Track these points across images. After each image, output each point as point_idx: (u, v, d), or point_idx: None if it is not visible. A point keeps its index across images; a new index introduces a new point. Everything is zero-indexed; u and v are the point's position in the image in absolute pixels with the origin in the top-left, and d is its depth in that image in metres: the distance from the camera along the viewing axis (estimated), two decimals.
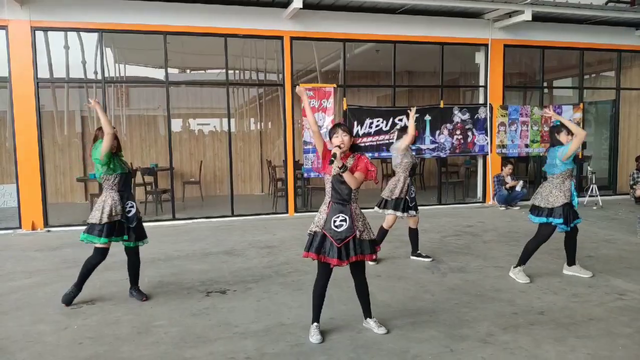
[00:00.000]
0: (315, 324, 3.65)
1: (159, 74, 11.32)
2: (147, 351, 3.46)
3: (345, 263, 3.51)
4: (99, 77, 8.50)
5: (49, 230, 7.94)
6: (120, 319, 4.07)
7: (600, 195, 9.68)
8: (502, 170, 9.79)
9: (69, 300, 4.37)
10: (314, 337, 3.56)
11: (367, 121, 9.28)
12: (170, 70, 8.91)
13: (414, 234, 5.82)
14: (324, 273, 3.62)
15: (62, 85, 10.99)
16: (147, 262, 5.81)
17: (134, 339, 3.68)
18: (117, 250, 6.44)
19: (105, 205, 4.34)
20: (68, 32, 9.37)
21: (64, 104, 11.13)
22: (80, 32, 9.24)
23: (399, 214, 5.57)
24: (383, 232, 5.67)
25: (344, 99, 9.29)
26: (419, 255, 5.81)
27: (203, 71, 13.98)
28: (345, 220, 3.49)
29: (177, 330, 3.82)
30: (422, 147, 9.61)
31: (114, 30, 8.29)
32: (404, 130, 6.01)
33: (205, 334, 3.73)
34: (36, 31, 7.91)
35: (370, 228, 3.64)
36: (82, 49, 10.24)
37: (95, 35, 8.49)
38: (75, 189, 11.33)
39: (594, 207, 9.34)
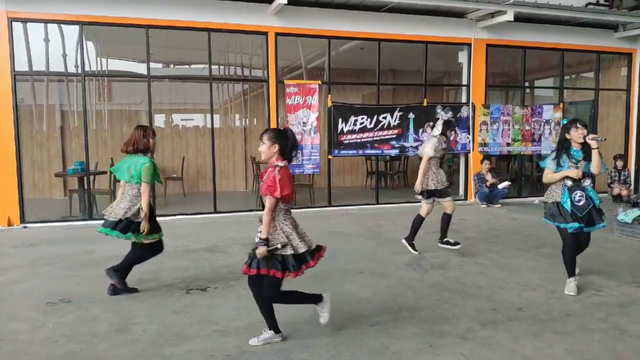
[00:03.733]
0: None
1: (141, 68, 11.17)
2: (125, 349, 3.41)
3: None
4: (80, 70, 8.34)
5: (25, 227, 7.77)
6: (97, 316, 4.01)
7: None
8: (481, 167, 9.89)
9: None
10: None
11: (352, 118, 9.29)
12: (153, 64, 8.80)
13: (446, 219, 5.96)
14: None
15: (41, 79, 10.77)
16: None
17: (111, 337, 3.62)
18: (95, 248, 6.36)
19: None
20: (48, 24, 9.17)
21: (44, 97, 10.92)
22: (61, 25, 9.07)
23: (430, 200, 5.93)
24: (420, 220, 5.97)
25: (329, 96, 9.28)
26: (447, 243, 5.93)
27: (187, 66, 13.84)
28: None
29: (156, 327, 3.77)
30: (406, 144, 9.65)
31: (95, 23, 8.14)
32: (449, 125, 6.12)
33: (185, 332, 3.69)
34: (13, 22, 7.72)
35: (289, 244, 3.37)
36: (63, 42, 10.03)
37: (76, 27, 8.34)
38: (54, 185, 11.13)
39: None
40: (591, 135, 4.30)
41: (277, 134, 3.40)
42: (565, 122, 4.56)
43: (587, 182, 4.39)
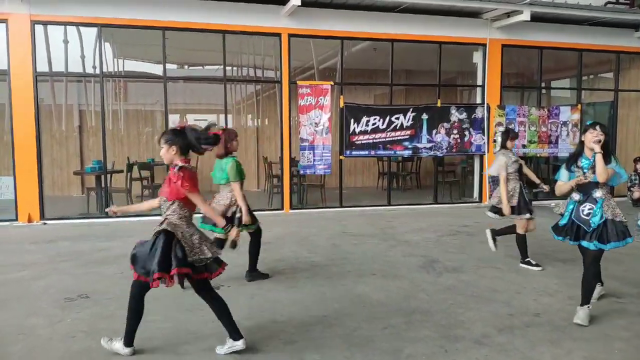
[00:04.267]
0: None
1: (157, 69, 11.29)
2: (141, 346, 3.44)
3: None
4: (97, 71, 8.45)
5: (45, 223, 7.91)
6: (114, 313, 4.05)
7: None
8: None
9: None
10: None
11: (364, 119, 9.27)
12: (168, 65, 8.88)
13: (520, 239, 5.53)
14: None
15: (60, 79, 10.95)
16: None
17: None
18: (112, 245, 6.44)
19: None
20: (67, 27, 9.32)
21: (63, 97, 11.09)
22: (80, 27, 9.21)
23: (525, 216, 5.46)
24: (521, 238, 5.51)
25: (341, 96, 9.27)
26: (528, 263, 5.45)
27: (201, 67, 13.95)
28: None
29: (171, 325, 3.81)
30: (419, 145, 9.61)
31: (113, 25, 8.25)
32: (507, 134, 5.57)
33: (199, 330, 3.72)
34: (36, 25, 7.87)
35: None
36: (81, 44, 10.22)
37: (94, 29, 8.45)
38: (72, 182, 11.29)
39: None
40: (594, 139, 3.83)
41: (172, 135, 3.29)
42: (589, 123, 4.04)
43: (598, 194, 3.82)
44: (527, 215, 5.42)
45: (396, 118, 9.45)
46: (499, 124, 9.98)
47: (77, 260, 5.70)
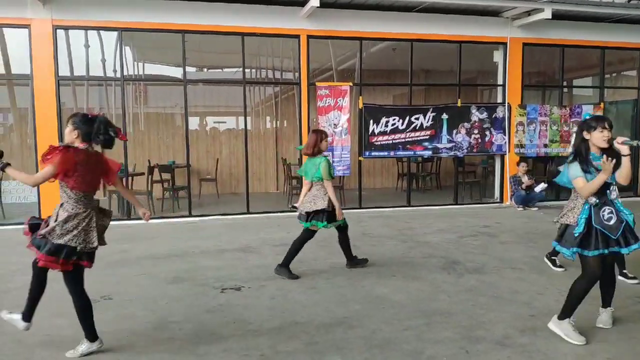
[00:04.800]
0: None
1: (176, 72, 11.44)
2: (162, 346, 3.48)
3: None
4: (118, 75, 8.59)
5: None
6: (135, 314, 4.11)
7: (621, 197, 9.45)
8: (517, 169, 9.65)
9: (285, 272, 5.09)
10: None
11: (383, 120, 9.23)
12: (187, 68, 8.97)
13: None
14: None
15: (82, 83, 11.16)
16: (162, 258, 5.89)
17: (149, 334, 3.71)
18: (133, 247, 6.53)
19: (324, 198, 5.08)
20: (88, 31, 9.49)
21: (84, 101, 11.29)
22: (100, 31, 9.36)
23: None
24: None
25: (360, 97, 9.25)
26: (624, 275, 4.95)
27: (220, 69, 14.08)
28: None
29: (192, 326, 3.84)
30: (439, 146, 9.53)
31: (133, 29, 8.38)
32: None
33: (220, 331, 3.74)
34: (57, 30, 8.03)
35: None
36: (102, 48, 10.40)
37: (114, 33, 8.59)
38: None
39: None
40: (621, 139, 3.40)
41: (80, 121, 3.30)
42: (587, 116, 3.58)
43: (614, 194, 3.50)
44: None
45: (416, 118, 9.39)
46: (520, 123, 9.85)
47: (99, 262, 5.64)
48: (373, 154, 9.32)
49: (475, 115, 9.63)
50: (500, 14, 9.38)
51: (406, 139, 9.35)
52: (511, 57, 9.68)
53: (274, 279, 5.03)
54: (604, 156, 3.29)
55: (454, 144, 9.57)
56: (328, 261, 5.73)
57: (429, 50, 9.98)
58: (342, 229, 5.35)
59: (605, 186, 3.42)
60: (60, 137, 8.06)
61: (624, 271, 4.97)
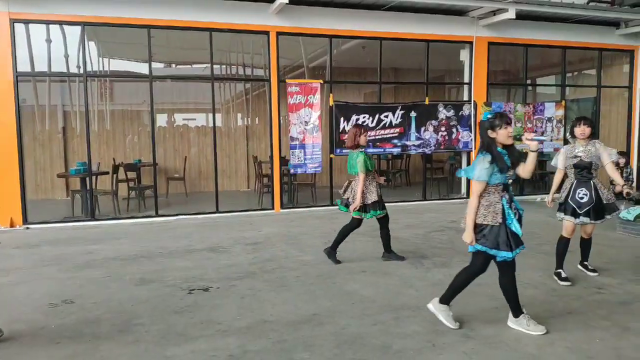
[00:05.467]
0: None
1: (143, 68, 11.19)
2: (127, 350, 3.42)
3: None
4: (81, 71, 8.36)
5: (27, 228, 7.79)
6: (100, 317, 4.01)
7: None
8: None
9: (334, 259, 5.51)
10: None
11: (354, 117, 9.28)
12: (155, 64, 8.81)
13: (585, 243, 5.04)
14: None
15: (43, 79, 10.81)
16: (128, 260, 5.78)
17: (114, 337, 3.63)
18: (99, 248, 6.38)
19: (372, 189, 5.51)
20: (50, 25, 9.19)
21: (46, 98, 10.95)
22: (63, 25, 9.08)
23: (568, 218, 4.77)
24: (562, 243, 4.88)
25: (331, 94, 9.27)
26: (585, 267, 5.08)
27: (189, 66, 13.86)
28: None
29: (159, 328, 3.78)
30: (408, 143, 9.64)
31: (97, 23, 8.15)
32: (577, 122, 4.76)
33: (187, 332, 3.70)
34: (15, 23, 7.74)
35: None
36: (65, 42, 10.08)
37: (77, 28, 8.34)
38: (57, 185, 11.16)
39: None
40: (530, 135, 3.49)
41: None
42: (488, 115, 3.58)
43: (512, 192, 3.61)
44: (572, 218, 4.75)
45: (385, 116, 9.48)
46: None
47: (61, 265, 5.63)
48: (344, 151, 9.35)
49: (443, 113, 9.79)
50: (466, 13, 9.55)
51: (376, 137, 9.42)
52: (477, 56, 9.87)
53: (243, 278, 5.00)
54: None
55: (422, 141, 9.70)
56: (299, 259, 5.73)
57: (398, 48, 10.09)
58: (383, 220, 5.61)
59: (506, 186, 3.53)
60: (20, 137, 7.81)
61: (585, 262, 5.13)
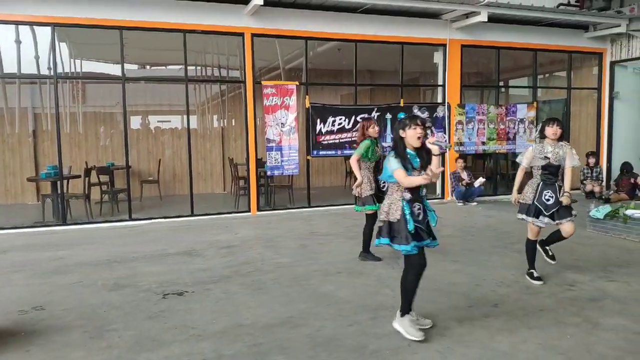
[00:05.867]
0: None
1: (117, 69, 11.03)
2: (99, 357, 3.35)
3: None
4: (52, 73, 8.18)
5: None
6: (71, 324, 3.92)
7: None
8: (456, 166, 10.01)
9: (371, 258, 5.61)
10: None
11: (330, 119, 9.30)
12: (129, 66, 8.68)
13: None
14: None
15: (13, 82, 10.54)
16: (101, 264, 5.67)
17: (86, 344, 3.55)
18: (70, 253, 6.25)
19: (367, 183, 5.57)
20: (19, 26, 8.97)
21: (16, 100, 10.67)
22: (33, 26, 8.87)
23: (532, 220, 4.76)
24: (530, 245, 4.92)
25: (307, 96, 9.28)
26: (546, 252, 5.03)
27: (164, 67, 13.70)
28: None
29: (132, 334, 3.72)
30: (384, 145, 9.67)
31: (68, 25, 7.98)
32: (547, 123, 4.76)
33: (161, 337, 3.64)
34: None
35: None
36: (35, 44, 9.85)
37: (48, 29, 8.15)
38: (27, 190, 10.88)
39: None
40: (432, 139, 3.50)
41: None
42: (402, 116, 3.73)
43: (424, 191, 3.62)
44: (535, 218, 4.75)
45: (361, 118, 9.50)
46: (459, 122, 10.21)
47: (31, 271, 5.49)
48: (321, 152, 9.38)
49: (417, 114, 9.88)
50: (440, 16, 9.68)
51: (352, 138, 9.44)
52: (450, 58, 10.01)
53: (218, 282, 4.96)
54: (429, 169, 3.50)
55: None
56: (274, 261, 5.71)
57: (373, 51, 10.15)
58: (371, 219, 5.60)
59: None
60: None
61: (547, 247, 5.04)
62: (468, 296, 4.42)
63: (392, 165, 3.50)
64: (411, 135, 3.49)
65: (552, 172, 4.70)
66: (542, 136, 4.77)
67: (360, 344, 3.46)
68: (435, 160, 3.50)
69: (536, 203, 4.71)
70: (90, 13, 7.82)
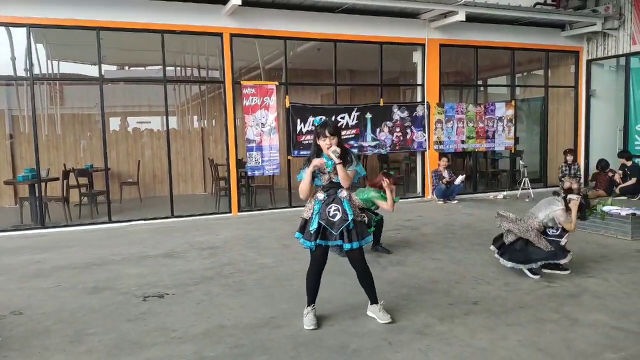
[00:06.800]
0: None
1: (95, 71, 10.87)
2: None
3: None
4: (28, 74, 8.03)
5: None
6: (49, 328, 3.87)
7: (532, 188, 10.21)
8: (439, 165, 10.10)
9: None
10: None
11: (310, 119, 9.31)
12: (107, 67, 8.56)
13: None
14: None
15: None
16: (80, 268, 5.60)
17: (65, 348, 3.51)
18: (48, 256, 6.14)
19: None
20: None
21: None
22: (9, 27, 8.69)
23: None
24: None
25: (287, 96, 9.27)
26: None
27: (142, 68, 13.54)
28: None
29: (112, 337, 3.68)
30: (364, 144, 9.76)
31: (44, 25, 7.85)
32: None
33: (142, 340, 3.61)
34: None
35: None
36: (12, 45, 9.66)
37: (23, 30, 8.00)
38: (4, 192, 10.67)
39: (527, 199, 9.82)
40: (333, 148, 3.57)
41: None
42: (317, 122, 3.85)
43: (344, 193, 3.70)
44: None
45: (341, 117, 9.56)
46: (439, 121, 10.32)
47: (9, 275, 5.40)
48: (302, 152, 9.38)
49: (397, 114, 9.97)
50: (418, 16, 9.76)
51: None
52: (429, 57, 10.11)
53: (200, 283, 4.93)
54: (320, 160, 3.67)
55: (377, 141, 9.84)
56: (257, 262, 5.70)
57: (353, 50, 10.19)
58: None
59: (337, 186, 3.71)
60: None
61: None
62: (449, 294, 4.46)
63: (299, 174, 3.80)
64: (323, 146, 3.65)
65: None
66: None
67: (342, 344, 3.48)
68: (337, 168, 3.61)
69: None
70: (66, 14, 7.70)
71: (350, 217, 3.68)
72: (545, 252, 4.84)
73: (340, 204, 3.69)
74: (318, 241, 3.71)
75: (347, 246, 3.73)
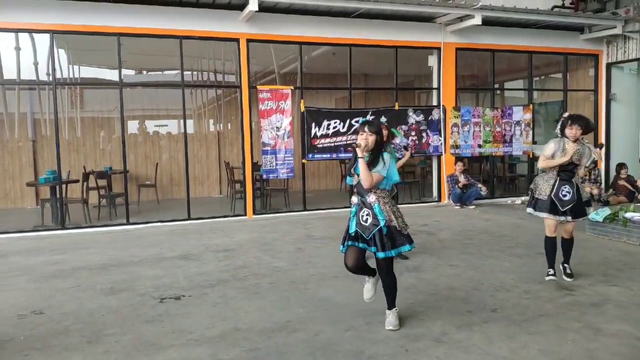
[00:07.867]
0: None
1: (115, 75, 11.06)
2: None
3: None
4: (51, 79, 8.20)
5: None
6: (69, 328, 3.93)
7: None
8: (455, 169, 10.03)
9: None
10: None
11: (325, 123, 9.33)
12: (126, 71, 8.69)
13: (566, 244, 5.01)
14: None
15: (12, 88, 10.57)
16: (98, 269, 5.68)
17: (84, 348, 3.56)
18: (68, 257, 6.24)
19: None
20: (19, 34, 8.98)
21: (15, 106, 10.68)
22: (32, 34, 8.90)
23: (547, 216, 4.80)
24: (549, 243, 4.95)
25: (302, 100, 9.30)
26: (563, 270, 5.03)
27: (161, 72, 13.73)
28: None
29: (129, 338, 3.72)
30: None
31: (66, 32, 8.01)
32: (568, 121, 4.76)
33: (158, 341, 3.65)
34: None
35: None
36: (35, 50, 9.89)
37: (47, 36, 8.17)
38: (26, 194, 10.88)
39: None
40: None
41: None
42: (362, 121, 3.86)
43: (372, 198, 3.66)
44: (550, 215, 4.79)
45: (356, 121, 9.53)
46: (455, 125, 10.24)
47: (30, 275, 5.49)
48: (316, 156, 9.40)
49: (412, 117, 9.92)
50: (434, 20, 9.71)
51: (347, 141, 9.48)
52: (445, 61, 10.04)
53: (215, 286, 4.96)
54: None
55: (392, 145, 9.77)
56: (272, 265, 5.71)
57: (368, 54, 10.18)
58: None
59: (366, 190, 3.69)
60: None
61: (565, 264, 5.01)
62: (466, 301, 4.41)
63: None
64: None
65: (569, 169, 4.75)
66: (562, 134, 4.81)
67: (357, 349, 3.47)
68: (359, 162, 3.61)
69: (553, 197, 4.75)
70: (88, 20, 7.84)
71: (381, 222, 3.63)
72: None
73: (371, 208, 3.67)
74: (349, 242, 3.76)
75: (380, 254, 3.68)
